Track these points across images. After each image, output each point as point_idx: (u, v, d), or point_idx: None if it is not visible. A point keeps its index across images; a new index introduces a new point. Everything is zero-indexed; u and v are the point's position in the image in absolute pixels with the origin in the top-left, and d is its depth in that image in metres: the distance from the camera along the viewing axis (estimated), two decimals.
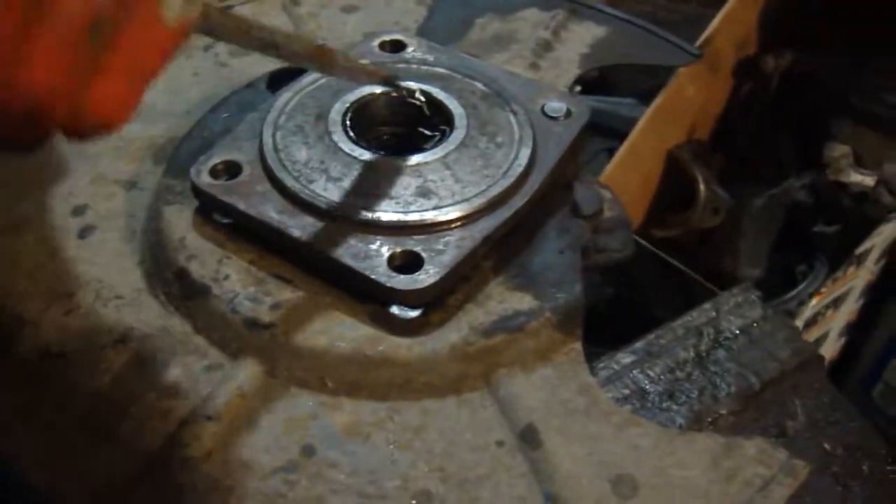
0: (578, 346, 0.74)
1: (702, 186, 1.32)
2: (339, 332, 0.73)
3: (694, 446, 0.69)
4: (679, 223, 1.35)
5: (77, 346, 0.75)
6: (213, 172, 0.79)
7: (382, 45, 0.94)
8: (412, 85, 0.85)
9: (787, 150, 1.42)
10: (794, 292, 1.30)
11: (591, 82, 1.36)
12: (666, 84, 1.23)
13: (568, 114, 0.86)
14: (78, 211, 0.85)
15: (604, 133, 1.29)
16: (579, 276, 0.77)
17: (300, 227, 0.75)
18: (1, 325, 0.77)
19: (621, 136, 1.24)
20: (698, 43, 1.23)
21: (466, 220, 0.76)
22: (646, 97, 1.30)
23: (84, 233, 0.83)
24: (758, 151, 1.42)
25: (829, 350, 1.37)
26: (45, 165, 0.88)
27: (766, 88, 1.38)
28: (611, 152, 1.22)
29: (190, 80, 0.99)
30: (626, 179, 1.14)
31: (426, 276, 0.72)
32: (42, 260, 0.82)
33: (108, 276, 0.80)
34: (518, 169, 0.80)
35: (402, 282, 0.72)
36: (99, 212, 0.85)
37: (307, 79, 0.87)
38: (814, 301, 1.27)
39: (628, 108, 1.39)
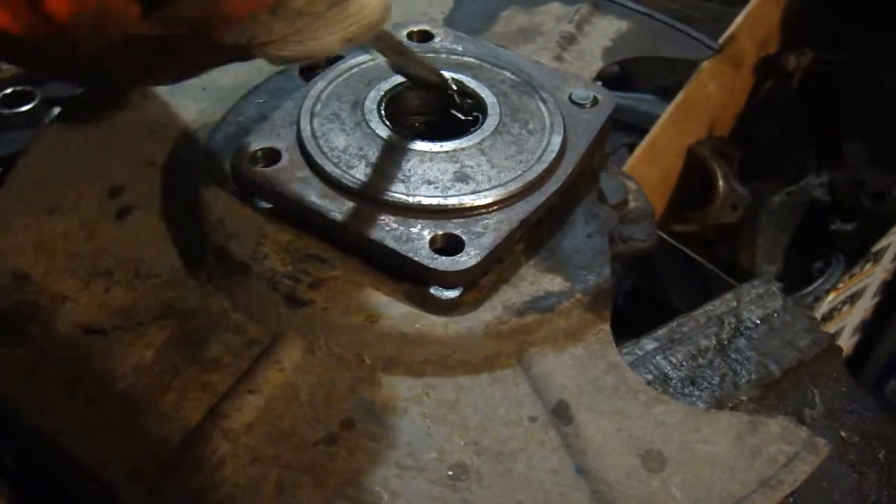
0: (607, 326, 0.77)
1: (721, 182, 1.35)
2: (376, 309, 0.75)
3: (719, 423, 0.71)
4: (698, 218, 1.37)
5: (117, 323, 0.77)
6: (254, 159, 0.81)
7: (410, 35, 0.96)
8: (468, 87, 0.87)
9: (807, 148, 1.44)
10: (810, 288, 1.32)
11: (612, 78, 1.38)
12: (687, 80, 1.25)
13: (595, 101, 0.89)
14: (115, 192, 0.87)
15: (624, 128, 1.32)
16: (608, 260, 0.79)
17: (342, 211, 0.78)
18: (41, 304, 0.78)
19: (641, 132, 1.26)
20: (721, 40, 1.25)
21: (503, 203, 0.79)
22: (666, 93, 1.32)
23: (122, 214, 0.85)
24: (777, 149, 1.44)
25: (844, 347, 1.39)
26: (84, 149, 0.90)
27: (786, 86, 1.40)
28: (631, 147, 1.25)
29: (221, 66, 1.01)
30: (646, 174, 1.16)
31: (467, 258, 0.75)
32: (81, 240, 0.83)
33: (146, 256, 0.82)
34: (551, 154, 0.82)
35: (443, 263, 0.74)
36: (136, 193, 0.87)
37: (340, 67, 0.89)
38: (830, 296, 1.29)
39: (649, 103, 1.42)
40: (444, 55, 0.93)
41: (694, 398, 0.81)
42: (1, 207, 0.86)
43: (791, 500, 0.79)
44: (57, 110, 1.53)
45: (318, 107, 0.85)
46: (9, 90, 1.52)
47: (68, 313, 0.78)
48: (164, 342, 0.76)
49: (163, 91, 0.95)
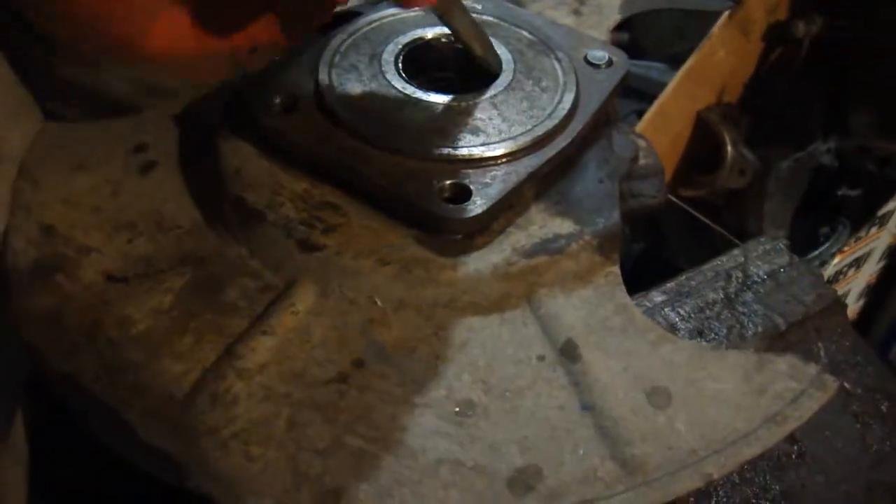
0: (616, 269, 0.78)
1: (729, 148, 1.35)
2: (387, 253, 0.76)
3: (726, 361, 0.72)
4: (706, 183, 1.38)
5: (138, 271, 0.79)
6: (272, 107, 0.83)
7: None
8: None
9: (815, 114, 1.44)
10: (816, 252, 1.32)
11: (622, 46, 1.38)
12: (697, 46, 1.26)
13: (609, 62, 0.90)
14: (140, 148, 0.89)
15: (634, 95, 1.32)
16: (617, 204, 0.80)
17: (356, 158, 0.79)
18: (67, 255, 0.81)
19: (650, 99, 1.27)
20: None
21: (512, 156, 0.80)
22: (675, 61, 1.32)
23: (145, 169, 0.87)
24: (786, 115, 1.44)
25: (849, 311, 1.39)
26: (110, 107, 0.92)
27: (795, 53, 1.40)
28: (640, 114, 1.25)
29: None
30: (655, 139, 1.16)
31: (473, 207, 0.76)
32: (106, 195, 0.85)
33: (168, 209, 0.84)
34: (562, 111, 0.83)
35: (450, 211, 0.76)
36: (160, 149, 0.89)
37: (360, 22, 0.91)
38: (836, 259, 1.29)
39: (658, 71, 1.42)
40: None
41: None
42: (30, 164, 0.88)
43: (795, 448, 0.80)
44: None
45: (337, 58, 0.87)
46: None
47: (93, 263, 0.80)
48: (182, 288, 0.78)
49: None
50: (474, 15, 0.92)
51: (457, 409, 0.70)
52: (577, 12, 1.02)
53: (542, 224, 0.79)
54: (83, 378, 0.72)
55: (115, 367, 0.73)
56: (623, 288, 0.77)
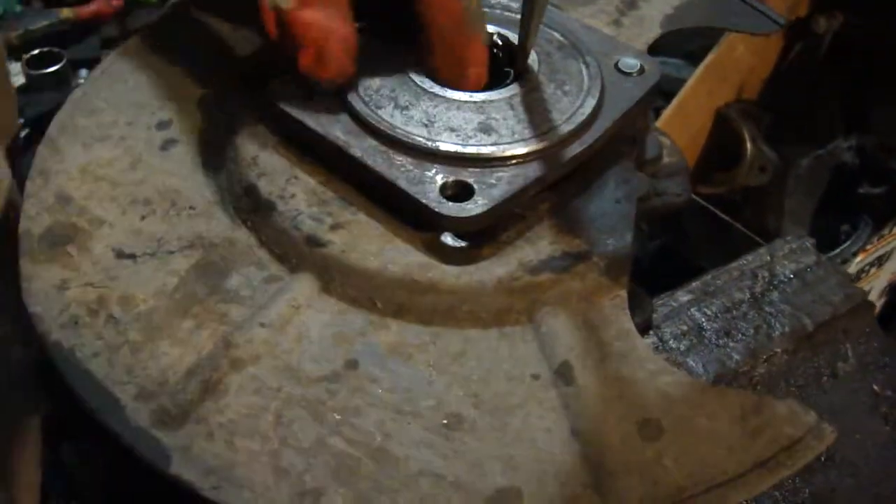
0: (623, 293, 0.76)
1: (749, 145, 1.33)
2: (391, 255, 0.76)
3: (724, 400, 0.70)
4: (725, 180, 1.36)
5: (147, 249, 0.80)
6: (289, 94, 0.83)
7: None
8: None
9: (835, 111, 1.41)
10: (838, 250, 1.30)
11: None
12: (717, 43, 1.23)
13: (641, 71, 0.87)
14: (163, 125, 0.89)
15: None
16: (632, 226, 0.78)
17: (362, 148, 0.79)
18: (80, 226, 0.81)
19: (667, 96, 1.24)
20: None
21: (522, 159, 0.78)
22: (693, 58, 1.30)
23: (167, 145, 0.88)
24: (806, 112, 1.41)
25: None
26: (140, 82, 0.93)
27: (816, 49, 1.37)
28: (657, 110, 1.23)
29: None
30: (674, 136, 1.14)
31: (474, 206, 0.75)
32: (125, 169, 0.86)
33: (184, 188, 0.84)
34: (581, 117, 0.81)
35: (450, 209, 0.75)
36: (182, 127, 0.89)
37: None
38: (858, 258, 1.27)
39: (675, 67, 1.40)
40: (498, 11, 0.92)
41: (729, 349, 0.81)
42: (53, 131, 0.89)
43: (824, 451, 0.78)
44: (84, 71, 1.58)
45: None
46: (36, 51, 1.57)
47: (104, 237, 0.80)
48: (188, 270, 0.78)
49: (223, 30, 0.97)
50: (508, 13, 0.91)
51: (444, 422, 0.69)
52: (617, 23, 1.00)
53: (552, 240, 0.77)
54: (82, 353, 0.73)
55: (114, 345, 0.73)
56: (627, 313, 0.75)
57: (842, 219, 1.36)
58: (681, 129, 1.25)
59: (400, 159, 0.78)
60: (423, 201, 0.75)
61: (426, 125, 0.80)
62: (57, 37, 1.62)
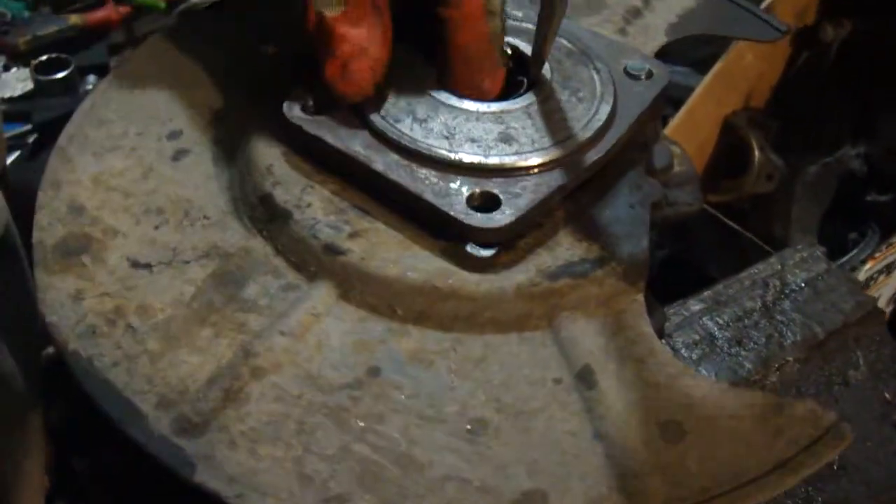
0: (640, 297, 0.77)
1: (757, 152, 1.34)
2: (411, 263, 0.76)
3: (744, 401, 0.71)
4: (733, 188, 1.37)
5: (163, 259, 0.79)
6: (305, 108, 0.83)
7: None
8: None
9: (843, 119, 1.43)
10: (846, 258, 1.30)
11: None
12: (725, 51, 1.24)
13: (649, 74, 0.89)
14: (174, 135, 0.89)
15: None
16: (647, 231, 0.79)
17: (385, 162, 0.79)
18: (94, 236, 0.81)
19: (675, 103, 1.25)
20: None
21: (544, 167, 0.79)
22: (700, 65, 1.31)
23: (178, 155, 0.88)
24: (814, 120, 1.42)
25: None
26: (150, 92, 0.93)
27: (823, 58, 1.38)
28: (664, 118, 1.24)
29: None
30: (682, 144, 1.15)
31: (502, 217, 0.75)
32: (137, 179, 0.86)
33: (197, 198, 0.84)
34: (597, 123, 0.82)
35: (478, 220, 0.75)
36: (193, 137, 0.89)
37: None
38: (867, 265, 1.28)
39: (682, 75, 1.41)
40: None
41: (741, 358, 0.82)
42: (64, 141, 0.88)
43: (837, 459, 0.79)
44: (92, 77, 1.59)
45: None
46: (44, 57, 1.57)
47: (119, 247, 0.80)
48: (205, 280, 0.78)
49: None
50: (514, 22, 0.92)
51: (468, 427, 0.69)
52: (622, 31, 1.01)
53: (569, 247, 0.78)
54: (101, 363, 0.73)
55: (133, 354, 0.73)
56: (646, 317, 0.76)
57: (849, 226, 1.38)
58: (689, 137, 1.26)
59: (423, 172, 0.78)
60: (451, 213, 0.76)
61: (447, 137, 0.80)
62: (65, 43, 1.63)
